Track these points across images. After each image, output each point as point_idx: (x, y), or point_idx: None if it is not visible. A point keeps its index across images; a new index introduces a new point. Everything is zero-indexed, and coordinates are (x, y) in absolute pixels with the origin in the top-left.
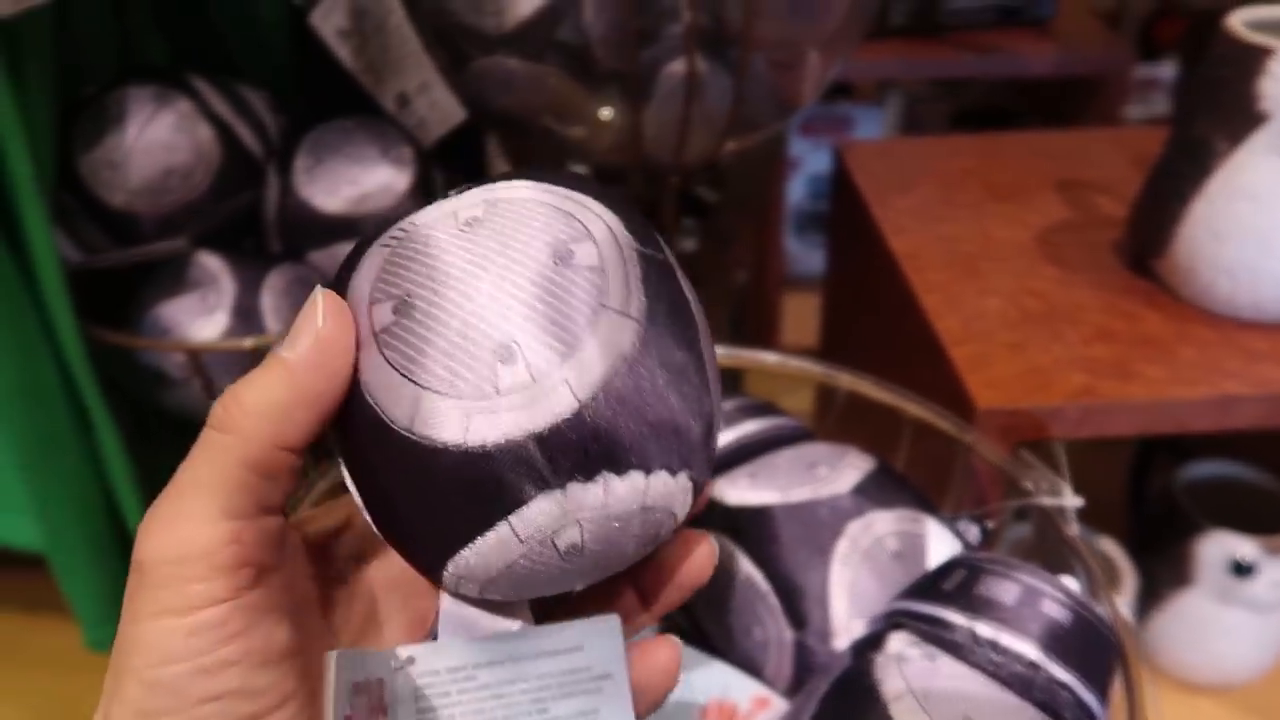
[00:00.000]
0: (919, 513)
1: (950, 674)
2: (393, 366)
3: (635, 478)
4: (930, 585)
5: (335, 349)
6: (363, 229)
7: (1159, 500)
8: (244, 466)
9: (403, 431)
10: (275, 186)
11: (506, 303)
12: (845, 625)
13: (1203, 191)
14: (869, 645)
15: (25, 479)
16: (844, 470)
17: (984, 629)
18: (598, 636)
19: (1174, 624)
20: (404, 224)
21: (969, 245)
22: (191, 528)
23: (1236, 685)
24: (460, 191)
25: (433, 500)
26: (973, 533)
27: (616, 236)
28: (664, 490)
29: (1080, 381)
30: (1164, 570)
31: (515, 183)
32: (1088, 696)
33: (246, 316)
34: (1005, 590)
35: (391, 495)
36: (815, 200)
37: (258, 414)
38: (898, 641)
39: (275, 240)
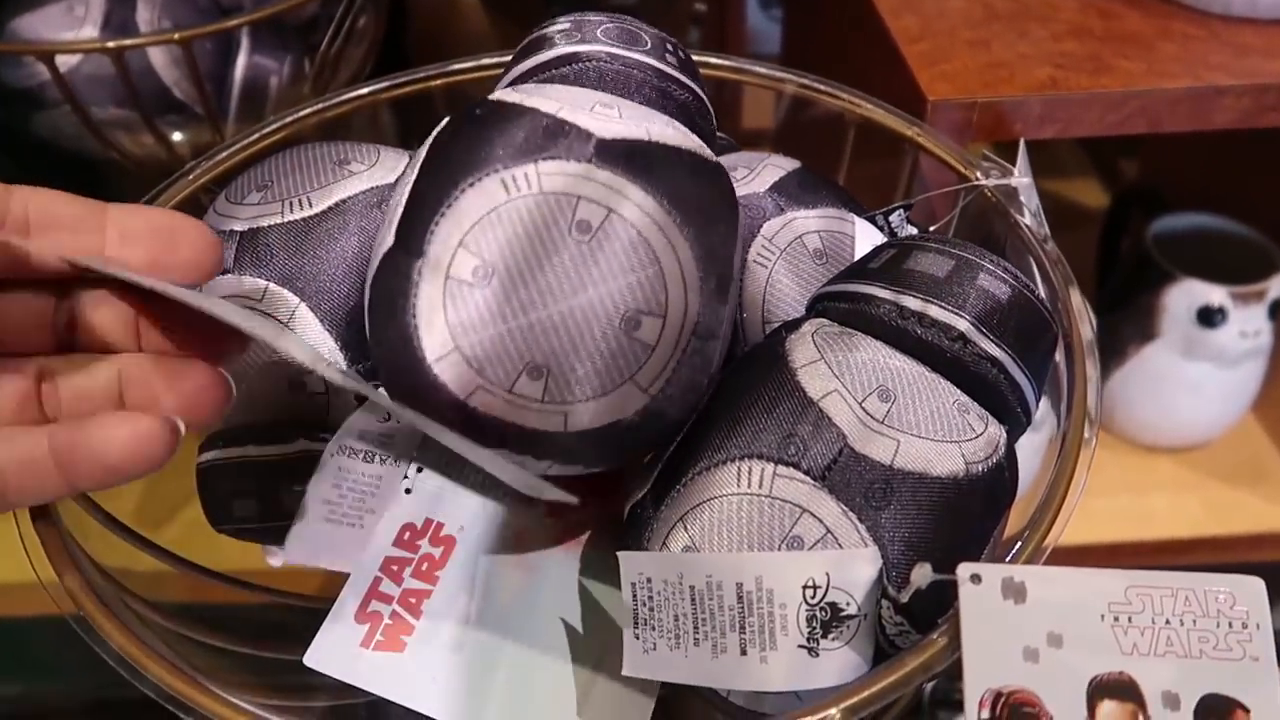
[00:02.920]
0: (845, 210)
1: (869, 348)
2: None
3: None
4: (856, 268)
5: None
6: None
7: (1129, 254)
8: None
9: None
10: None
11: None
12: (761, 331)
13: None
14: (784, 329)
15: None
16: (764, 170)
17: (911, 301)
18: None
19: (1136, 380)
20: None
21: None
22: None
23: (1194, 443)
24: None
25: None
26: (909, 232)
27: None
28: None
29: (1046, 75)
30: (1129, 326)
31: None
32: (1020, 376)
33: (120, 30)
34: (937, 264)
35: None
36: None
37: None
38: (814, 324)
39: None
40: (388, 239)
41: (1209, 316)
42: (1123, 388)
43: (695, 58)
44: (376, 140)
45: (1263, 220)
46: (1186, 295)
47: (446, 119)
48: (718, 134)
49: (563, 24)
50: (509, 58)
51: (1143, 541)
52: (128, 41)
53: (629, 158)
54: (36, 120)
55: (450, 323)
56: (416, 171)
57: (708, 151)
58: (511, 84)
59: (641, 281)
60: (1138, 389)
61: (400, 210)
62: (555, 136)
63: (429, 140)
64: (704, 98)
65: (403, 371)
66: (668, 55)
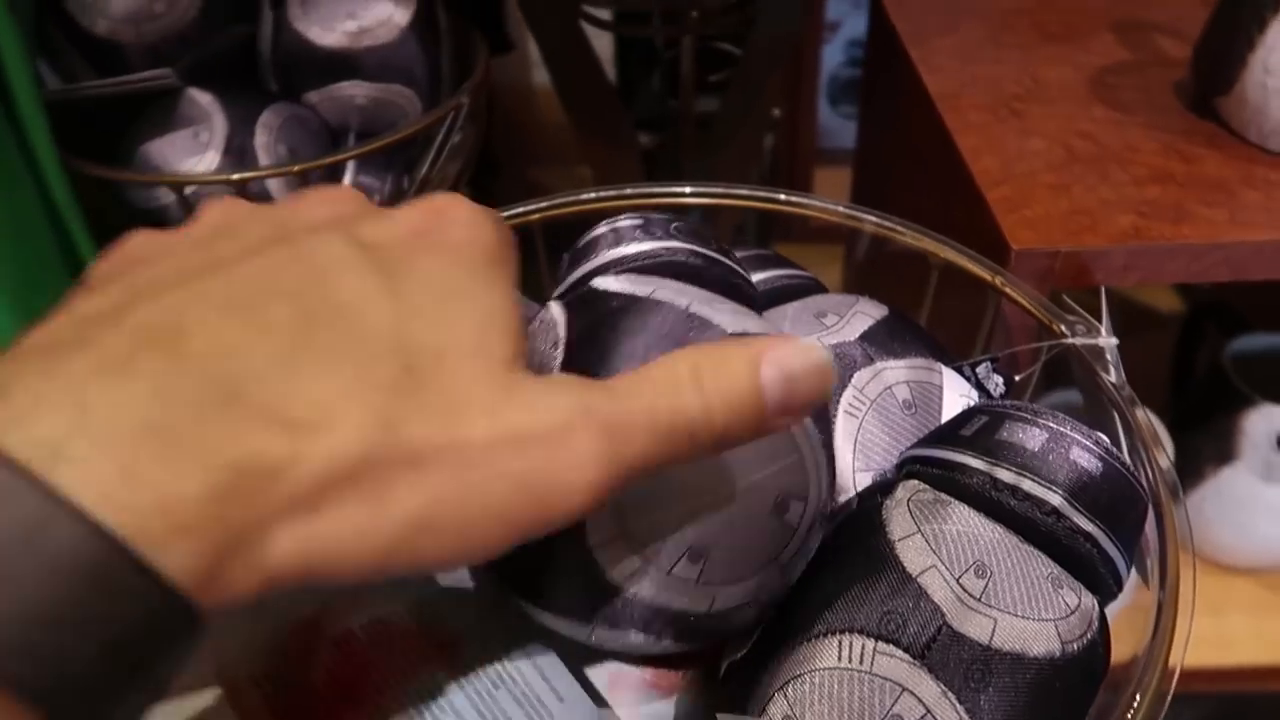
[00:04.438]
0: (933, 361)
1: (964, 519)
2: None
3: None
4: (947, 432)
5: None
6: (363, 66)
7: (1205, 373)
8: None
9: None
10: (269, 20)
11: None
12: (851, 479)
13: None
14: (877, 491)
15: (11, 318)
16: (853, 318)
17: (1004, 474)
18: None
19: (1214, 502)
20: None
21: (1013, 86)
22: None
23: (1272, 565)
24: None
25: None
26: (994, 382)
27: None
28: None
29: (1129, 223)
30: (1207, 446)
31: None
32: (1112, 549)
33: (240, 155)
34: (1030, 436)
35: None
36: (852, 67)
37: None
38: (909, 489)
39: (271, 79)
40: None
41: None
42: (1200, 508)
43: (769, 193)
44: None
45: None
46: (1266, 420)
47: (565, 304)
48: (807, 273)
49: (633, 219)
50: (608, 192)
51: (1222, 668)
52: (253, 174)
53: None
54: None
55: (620, 506)
56: (563, 356)
57: None
58: (596, 273)
59: (788, 468)
60: (1216, 510)
61: None
62: (693, 329)
63: (565, 329)
64: (754, 287)
65: (561, 552)
66: (725, 251)
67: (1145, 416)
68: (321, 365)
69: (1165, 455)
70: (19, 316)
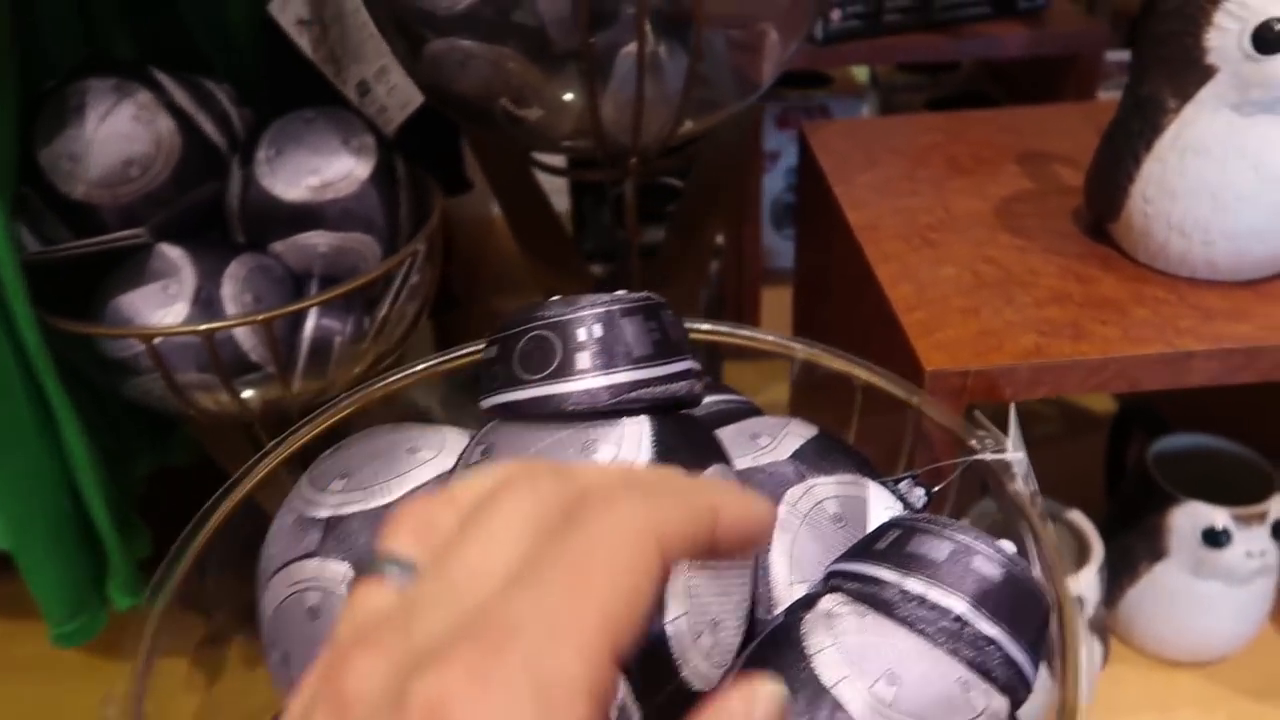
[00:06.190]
0: (860, 476)
1: (877, 630)
2: None
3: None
4: (864, 547)
5: None
6: (326, 217)
7: (1133, 474)
8: None
9: None
10: (238, 178)
11: None
12: (787, 590)
13: (1154, 150)
14: (801, 606)
15: None
16: (785, 439)
17: (913, 585)
18: None
19: (1150, 597)
20: None
21: (927, 217)
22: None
23: (1214, 658)
24: None
25: None
26: (916, 494)
27: None
28: None
29: (1031, 342)
30: (1139, 544)
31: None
32: (1016, 653)
33: (208, 305)
34: (937, 548)
35: None
36: (793, 193)
37: None
38: (829, 602)
39: (238, 231)
40: None
41: (1214, 537)
42: (1138, 604)
43: (710, 325)
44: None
45: (1257, 439)
46: (1190, 517)
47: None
48: (743, 397)
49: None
50: None
51: None
52: (217, 324)
53: None
54: (129, 385)
55: None
56: None
57: None
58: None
59: None
60: (1153, 606)
61: None
62: None
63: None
64: None
65: None
66: None
67: (1049, 526)
68: None
69: (1090, 571)
70: None
